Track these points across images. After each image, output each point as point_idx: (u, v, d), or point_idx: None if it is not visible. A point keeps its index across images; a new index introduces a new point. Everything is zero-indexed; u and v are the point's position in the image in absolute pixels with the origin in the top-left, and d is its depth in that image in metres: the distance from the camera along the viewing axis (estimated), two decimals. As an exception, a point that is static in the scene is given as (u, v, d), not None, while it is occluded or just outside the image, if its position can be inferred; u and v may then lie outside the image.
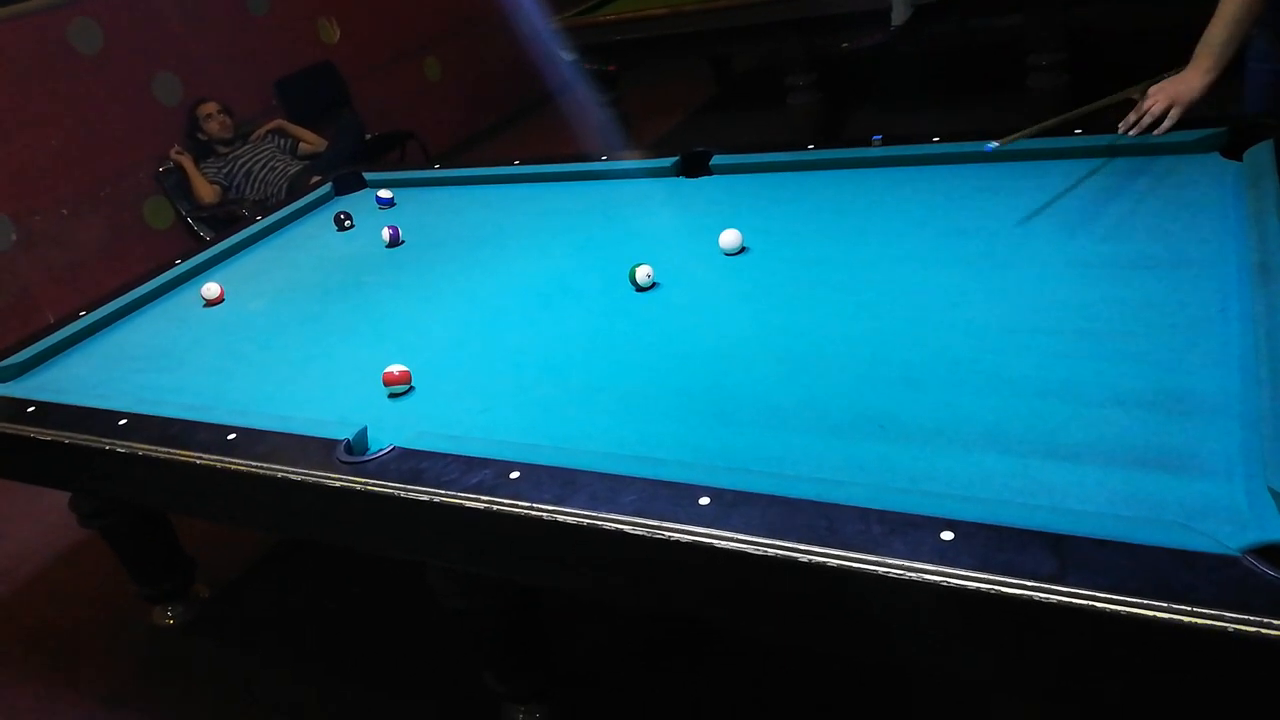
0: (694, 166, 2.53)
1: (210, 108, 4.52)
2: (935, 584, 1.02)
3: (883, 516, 1.12)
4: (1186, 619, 0.91)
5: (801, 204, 2.20)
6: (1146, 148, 2.02)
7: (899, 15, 3.80)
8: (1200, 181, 1.87)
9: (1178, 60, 2.01)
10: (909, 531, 1.09)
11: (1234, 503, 1.08)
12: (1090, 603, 0.95)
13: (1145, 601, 0.93)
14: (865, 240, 1.96)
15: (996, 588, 0.99)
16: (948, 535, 1.07)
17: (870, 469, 1.26)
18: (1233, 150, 1.93)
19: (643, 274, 1.93)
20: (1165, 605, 0.92)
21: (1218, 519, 1.05)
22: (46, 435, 1.82)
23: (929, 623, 1.08)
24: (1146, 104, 2.03)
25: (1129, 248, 1.69)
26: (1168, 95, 2.00)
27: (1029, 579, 0.99)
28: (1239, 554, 0.97)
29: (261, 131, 4.70)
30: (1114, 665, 1.00)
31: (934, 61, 5.11)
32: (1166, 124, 1.99)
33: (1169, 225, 1.73)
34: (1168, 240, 1.68)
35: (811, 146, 2.42)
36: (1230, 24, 1.95)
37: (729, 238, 2.02)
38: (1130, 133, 2.01)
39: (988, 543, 1.05)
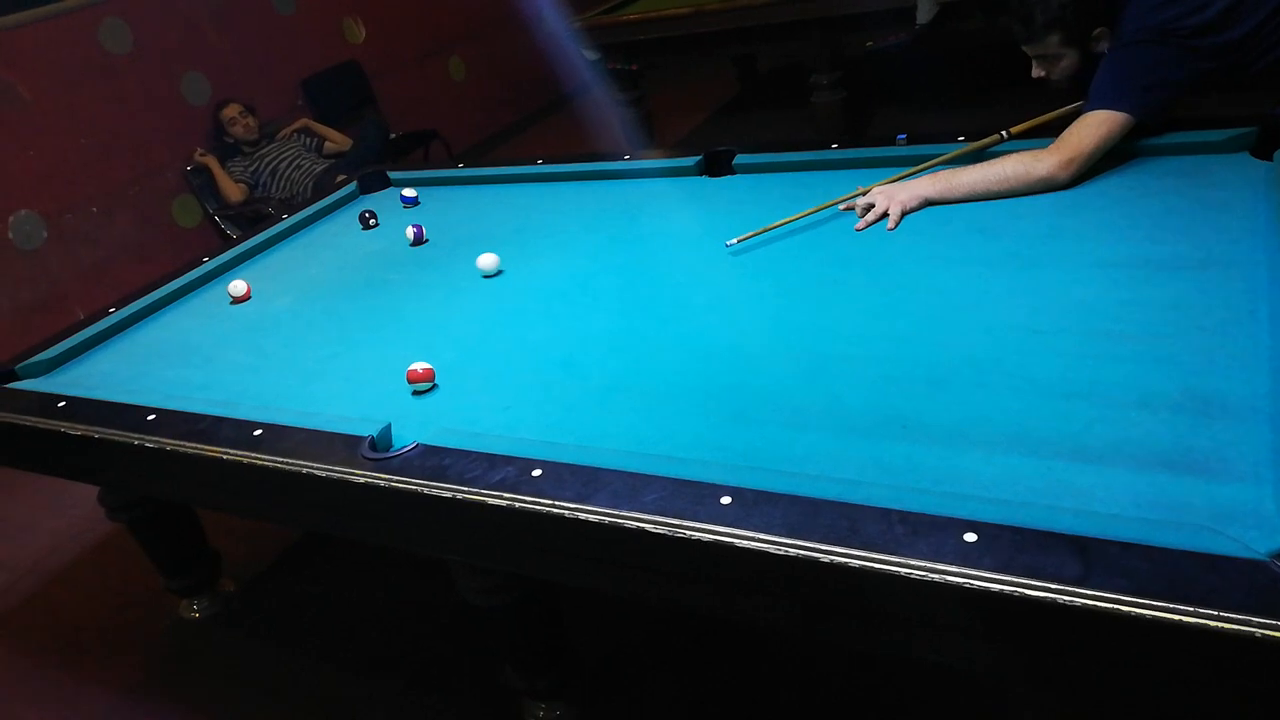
0: (717, 165, 2.53)
1: (233, 110, 4.56)
2: (958, 585, 1.02)
3: (905, 517, 1.11)
4: (1213, 624, 0.90)
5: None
6: (1174, 148, 2.00)
7: (924, 14, 3.78)
8: (1229, 181, 1.85)
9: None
10: (932, 532, 1.08)
11: (1262, 506, 1.06)
12: (1115, 606, 0.94)
13: (1171, 605, 0.92)
14: (889, 239, 1.95)
15: (1020, 590, 0.99)
16: (971, 537, 1.06)
17: (893, 469, 1.26)
18: (1262, 150, 1.91)
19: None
20: (1191, 609, 0.91)
21: (1245, 523, 1.04)
22: (76, 430, 1.84)
23: (951, 624, 1.08)
24: (864, 199, 2.05)
25: (1156, 248, 1.67)
26: (886, 196, 2.02)
27: (1053, 581, 0.98)
28: (1267, 558, 0.95)
29: (288, 131, 4.74)
30: (1138, 669, 0.99)
31: (959, 60, 5.07)
32: (891, 223, 1.99)
33: (1197, 226, 1.71)
34: (1196, 241, 1.66)
35: (835, 145, 2.41)
36: (985, 181, 1.99)
37: (487, 261, 2.18)
38: (857, 227, 2.02)
39: (1011, 545, 1.04)
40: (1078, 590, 0.96)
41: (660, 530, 1.21)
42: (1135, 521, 1.05)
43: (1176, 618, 0.92)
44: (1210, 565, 0.96)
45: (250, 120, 4.59)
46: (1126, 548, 1.00)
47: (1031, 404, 1.33)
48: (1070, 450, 1.23)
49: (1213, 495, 1.10)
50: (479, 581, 1.65)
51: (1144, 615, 0.93)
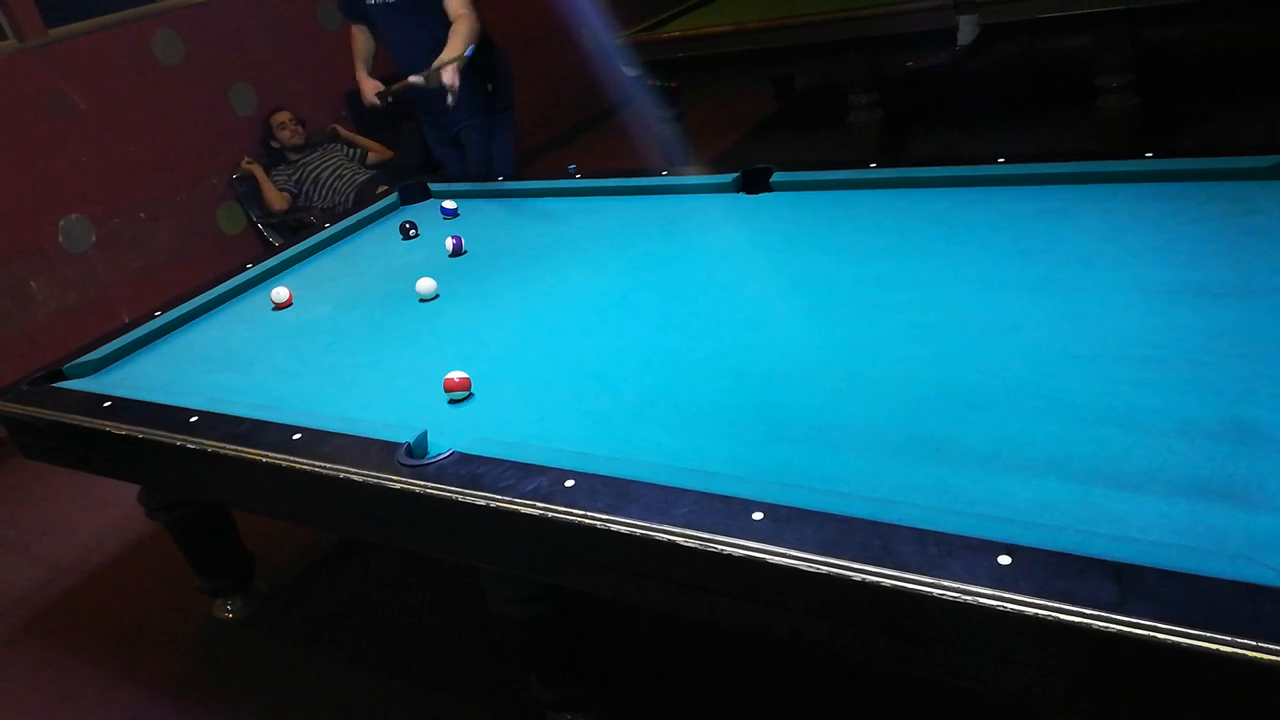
0: (755, 183, 2.54)
1: (284, 116, 4.67)
2: (992, 608, 1.02)
3: (939, 538, 1.11)
4: (1250, 653, 0.89)
5: (862, 222, 2.19)
6: (1216, 173, 1.98)
7: (966, 35, 3.77)
8: (1272, 208, 1.82)
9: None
10: (966, 554, 1.08)
11: (1303, 537, 1.05)
12: (1151, 634, 0.93)
13: (1208, 634, 0.91)
14: (926, 260, 1.94)
15: (1055, 614, 0.98)
16: (1005, 560, 1.06)
17: (927, 490, 1.25)
18: (1309, 177, 1.88)
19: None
20: (1229, 639, 0.90)
21: (1285, 553, 1.03)
22: (121, 430, 1.89)
23: (984, 647, 1.07)
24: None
25: (1197, 275, 1.66)
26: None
27: (1088, 607, 0.97)
28: (1307, 589, 0.94)
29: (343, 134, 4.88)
30: (1173, 698, 0.98)
31: (1000, 81, 5.05)
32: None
33: (1239, 253, 1.69)
34: (1237, 268, 1.65)
35: (874, 165, 2.41)
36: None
37: (425, 285, 2.30)
38: None
39: (1047, 569, 1.03)
40: (1113, 616, 0.96)
41: (691, 544, 1.21)
42: (1172, 549, 1.04)
43: (1214, 647, 0.91)
44: (1248, 594, 0.95)
45: (298, 128, 4.71)
46: (1164, 575, 0.99)
47: (1068, 429, 1.33)
48: (1107, 476, 1.22)
49: (1251, 524, 1.09)
50: (510, 590, 1.67)
51: (1180, 644, 0.92)
